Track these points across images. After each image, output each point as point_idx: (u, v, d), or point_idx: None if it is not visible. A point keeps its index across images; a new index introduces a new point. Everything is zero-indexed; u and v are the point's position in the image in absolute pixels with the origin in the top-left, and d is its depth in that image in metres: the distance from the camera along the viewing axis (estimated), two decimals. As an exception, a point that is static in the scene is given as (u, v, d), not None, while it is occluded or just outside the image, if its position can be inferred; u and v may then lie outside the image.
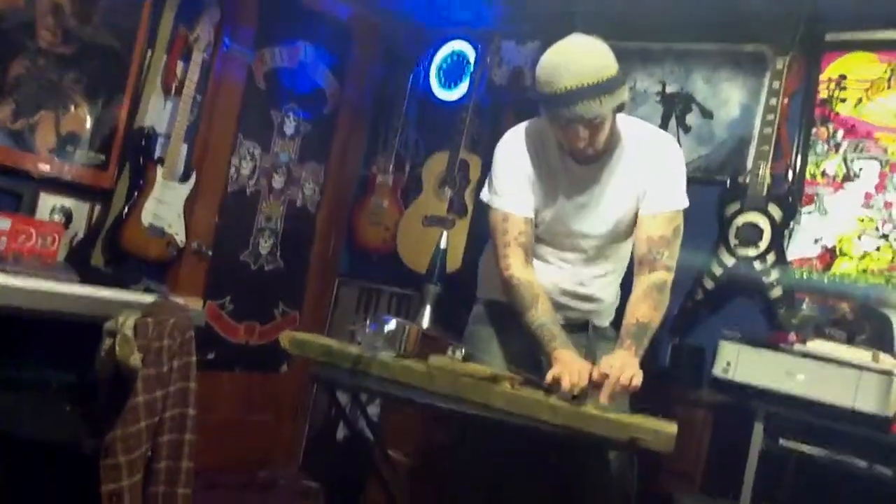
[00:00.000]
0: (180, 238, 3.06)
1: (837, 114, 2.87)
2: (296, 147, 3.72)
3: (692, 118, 3.17)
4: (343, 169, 3.95)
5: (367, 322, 1.88)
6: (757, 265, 2.77)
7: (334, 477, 3.23)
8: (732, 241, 2.82)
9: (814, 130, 2.90)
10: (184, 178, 3.10)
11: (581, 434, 1.62)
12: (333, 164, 3.90)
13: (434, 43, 3.89)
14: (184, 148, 3.10)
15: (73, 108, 2.86)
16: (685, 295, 2.92)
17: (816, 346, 2.39)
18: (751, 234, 2.79)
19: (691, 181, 2.99)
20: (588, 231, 2.01)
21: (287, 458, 3.83)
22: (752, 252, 2.78)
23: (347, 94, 3.90)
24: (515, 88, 3.63)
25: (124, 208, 2.91)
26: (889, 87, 2.78)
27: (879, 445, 2.19)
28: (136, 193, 2.93)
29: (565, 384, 1.69)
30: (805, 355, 2.35)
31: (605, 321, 2.14)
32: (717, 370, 2.47)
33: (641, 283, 1.92)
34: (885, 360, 2.30)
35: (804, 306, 2.72)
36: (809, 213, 2.86)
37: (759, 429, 2.37)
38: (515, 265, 1.97)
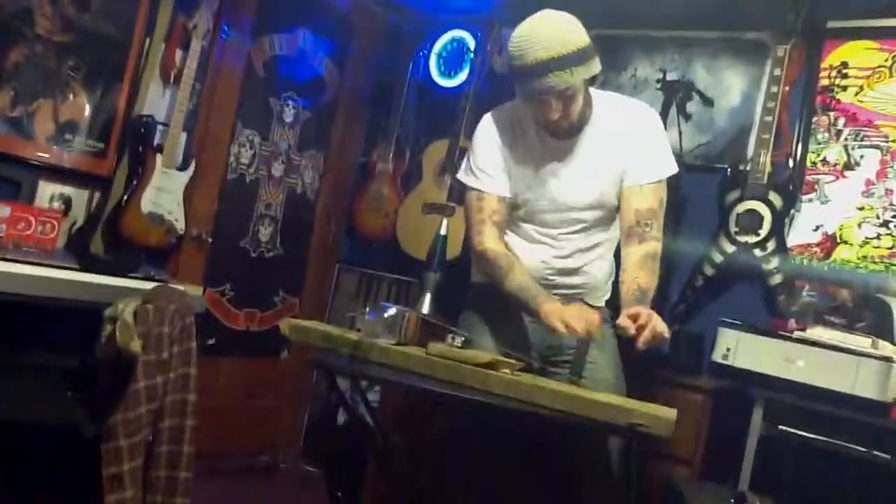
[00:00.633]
0: (180, 225, 3.06)
1: (838, 102, 2.86)
2: (295, 135, 3.71)
3: (693, 106, 3.16)
4: (343, 156, 3.95)
5: (367, 309, 1.88)
6: (757, 252, 2.77)
7: (334, 462, 3.25)
8: (733, 228, 2.81)
9: (815, 118, 2.90)
10: (183, 165, 3.09)
11: (581, 419, 1.63)
12: (333, 151, 3.90)
13: (434, 30, 3.88)
14: (183, 136, 3.10)
15: (71, 95, 2.86)
16: (685, 282, 2.92)
17: (816, 332, 2.39)
18: (751, 222, 2.79)
19: (692, 169, 3.04)
20: (571, 203, 2.01)
21: (287, 444, 3.84)
22: (752, 239, 2.78)
23: (347, 81, 3.89)
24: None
25: (123, 196, 2.91)
26: (890, 76, 2.77)
27: (878, 431, 2.20)
28: (135, 181, 2.93)
29: (580, 328, 1.71)
30: (805, 342, 2.36)
31: (599, 300, 2.13)
32: (717, 356, 2.48)
33: (635, 252, 1.92)
34: (885, 347, 2.31)
35: (804, 293, 2.72)
36: (810, 200, 2.86)
37: (758, 415, 2.37)
38: (489, 239, 2.01)
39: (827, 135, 2.87)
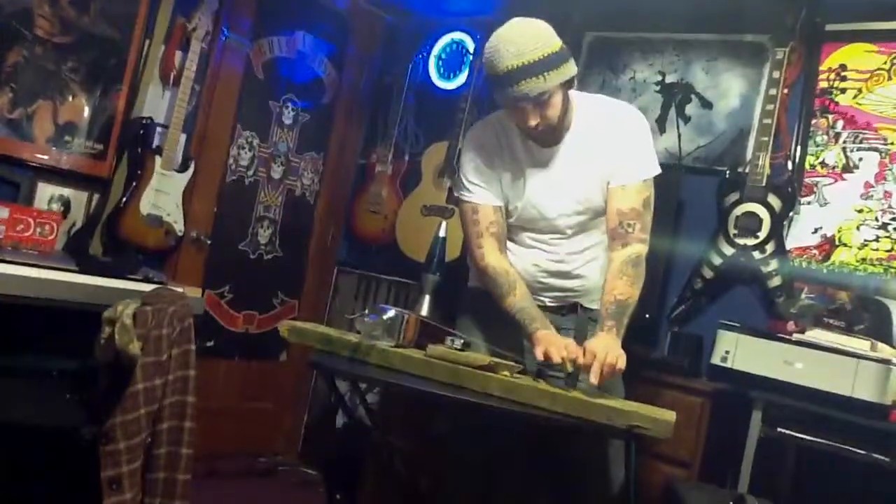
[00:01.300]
0: (179, 227, 3.06)
1: (837, 104, 2.86)
2: (294, 137, 3.71)
3: (692, 108, 3.17)
4: (342, 158, 3.95)
5: (366, 311, 1.88)
6: (756, 255, 2.77)
7: (333, 464, 3.24)
8: (732, 230, 2.81)
9: (813, 121, 2.90)
10: (182, 167, 3.09)
11: (580, 421, 1.63)
12: (332, 153, 3.90)
13: (433, 32, 3.88)
14: (182, 138, 3.10)
15: (70, 97, 2.86)
16: (684, 284, 2.92)
17: (815, 334, 2.39)
18: (750, 224, 2.79)
19: (691, 171, 3.04)
20: (561, 211, 2.01)
21: (286, 446, 3.84)
22: (751, 242, 2.78)
23: (346, 83, 3.89)
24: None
25: (122, 197, 2.91)
26: (889, 78, 2.78)
27: (877, 434, 2.19)
28: (134, 183, 2.93)
29: (556, 358, 1.71)
30: (804, 344, 2.35)
31: (594, 302, 2.13)
32: (716, 359, 2.47)
33: (616, 259, 1.93)
34: (884, 349, 2.31)
35: (803, 296, 2.72)
36: (809, 203, 2.86)
37: (757, 417, 2.37)
38: (489, 254, 2.01)
39: (826, 137, 2.87)
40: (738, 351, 2.43)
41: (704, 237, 2.90)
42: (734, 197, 2.84)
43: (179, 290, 2.27)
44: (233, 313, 3.56)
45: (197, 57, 3.08)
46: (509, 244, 2.10)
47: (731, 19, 3.07)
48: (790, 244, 2.84)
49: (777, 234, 2.76)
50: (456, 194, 2.13)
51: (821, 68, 2.90)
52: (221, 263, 3.49)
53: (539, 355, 1.78)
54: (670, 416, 1.61)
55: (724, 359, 2.45)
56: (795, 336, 2.40)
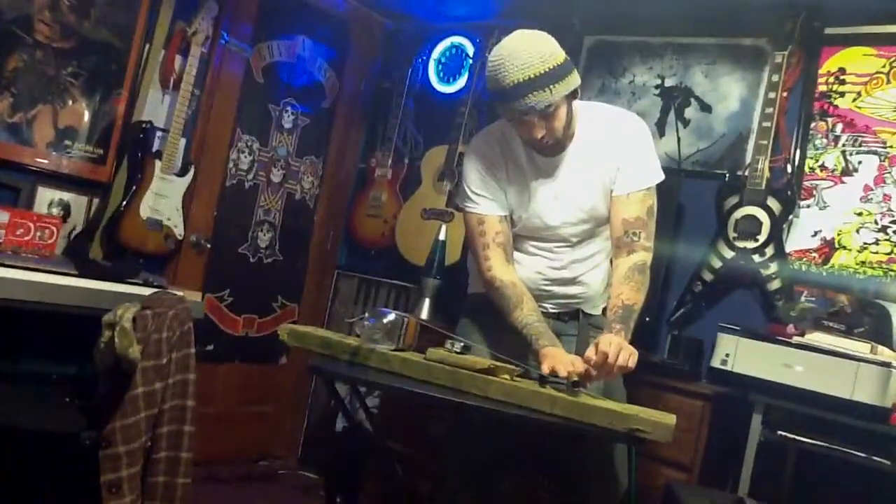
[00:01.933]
0: (178, 231, 3.07)
1: (836, 107, 2.87)
2: (294, 141, 3.72)
3: (691, 112, 3.17)
4: (342, 162, 3.95)
5: (366, 314, 1.88)
6: (756, 258, 2.77)
7: (333, 468, 3.23)
8: (731, 234, 2.82)
9: (813, 124, 2.90)
10: (182, 171, 3.10)
11: (580, 425, 1.62)
12: (332, 157, 3.90)
13: (433, 36, 3.89)
14: (182, 142, 3.10)
15: (70, 102, 2.86)
16: (684, 287, 2.92)
17: (815, 337, 2.39)
18: (750, 227, 2.79)
19: (690, 175, 3.05)
20: (563, 219, 2.01)
21: (286, 450, 3.84)
22: (750, 245, 2.78)
23: (346, 87, 3.90)
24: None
25: (122, 202, 2.91)
26: (888, 82, 2.78)
27: (878, 437, 2.19)
28: (134, 187, 2.93)
29: (562, 373, 1.71)
30: (804, 347, 2.35)
31: (596, 308, 2.14)
32: (716, 362, 2.47)
33: (622, 266, 1.93)
34: (883, 352, 2.31)
35: (803, 299, 2.72)
36: (808, 206, 2.87)
37: (757, 420, 2.37)
38: (497, 266, 2.00)
39: (825, 140, 2.88)
40: (739, 354, 2.43)
41: (704, 240, 2.90)
42: (734, 200, 2.85)
43: (179, 293, 2.26)
44: (233, 317, 3.56)
45: (197, 61, 3.09)
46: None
47: (731, 23, 3.07)
48: (790, 247, 2.84)
49: (777, 237, 2.77)
50: (460, 206, 2.12)
51: (820, 72, 2.91)
52: (221, 267, 3.49)
53: (545, 371, 1.77)
54: (670, 419, 1.61)
55: (725, 362, 2.45)
56: (795, 339, 2.40)
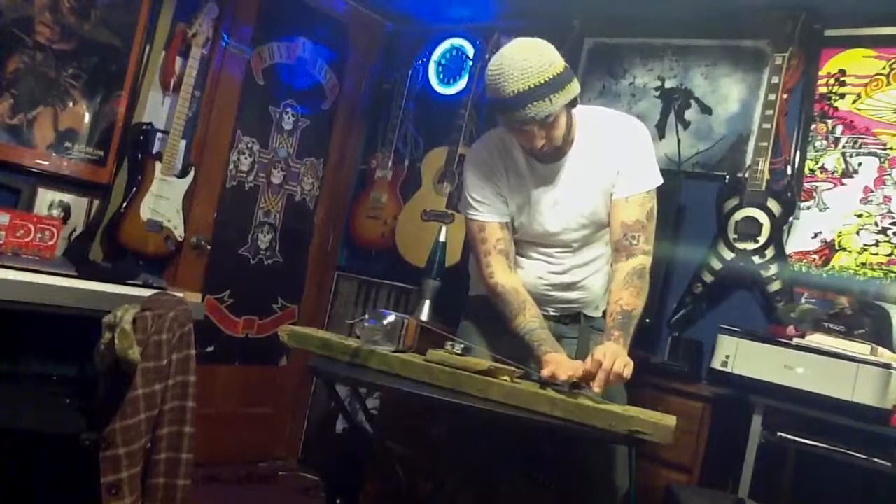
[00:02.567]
0: (179, 232, 3.07)
1: (836, 109, 2.87)
2: (294, 142, 3.72)
3: (691, 114, 3.17)
4: (342, 164, 3.96)
5: (366, 316, 1.88)
6: (756, 259, 2.77)
7: (333, 469, 3.24)
8: (731, 235, 2.82)
9: (813, 126, 2.90)
10: (182, 173, 3.10)
11: (580, 426, 1.62)
12: (332, 159, 3.91)
13: (433, 38, 3.89)
14: (182, 143, 3.11)
15: (71, 103, 2.86)
16: (684, 289, 2.92)
17: (815, 339, 2.39)
18: (750, 229, 2.79)
19: (691, 176, 3.05)
20: (564, 225, 2.01)
21: (286, 451, 3.84)
22: (751, 246, 2.78)
23: (346, 89, 3.90)
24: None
25: (123, 203, 2.92)
26: (888, 83, 2.78)
27: (878, 438, 2.19)
28: (134, 188, 2.94)
29: (563, 378, 1.71)
30: (804, 349, 2.35)
31: (597, 311, 2.14)
32: (716, 363, 2.47)
33: (621, 271, 1.92)
34: (884, 354, 2.30)
35: (803, 300, 2.72)
36: (808, 208, 2.87)
37: (757, 422, 2.36)
38: (498, 272, 2.00)
39: (825, 142, 2.88)
40: (739, 355, 2.42)
41: (704, 242, 2.90)
42: (734, 202, 2.84)
43: (179, 295, 2.27)
44: (233, 318, 3.57)
45: (197, 63, 3.09)
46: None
47: (731, 25, 3.07)
48: (790, 249, 2.84)
49: (777, 238, 2.77)
50: (461, 213, 2.12)
51: (820, 73, 2.91)
52: (222, 268, 3.49)
53: (545, 374, 1.76)
54: (671, 420, 1.61)
55: (725, 363, 2.44)
56: (795, 340, 2.39)
